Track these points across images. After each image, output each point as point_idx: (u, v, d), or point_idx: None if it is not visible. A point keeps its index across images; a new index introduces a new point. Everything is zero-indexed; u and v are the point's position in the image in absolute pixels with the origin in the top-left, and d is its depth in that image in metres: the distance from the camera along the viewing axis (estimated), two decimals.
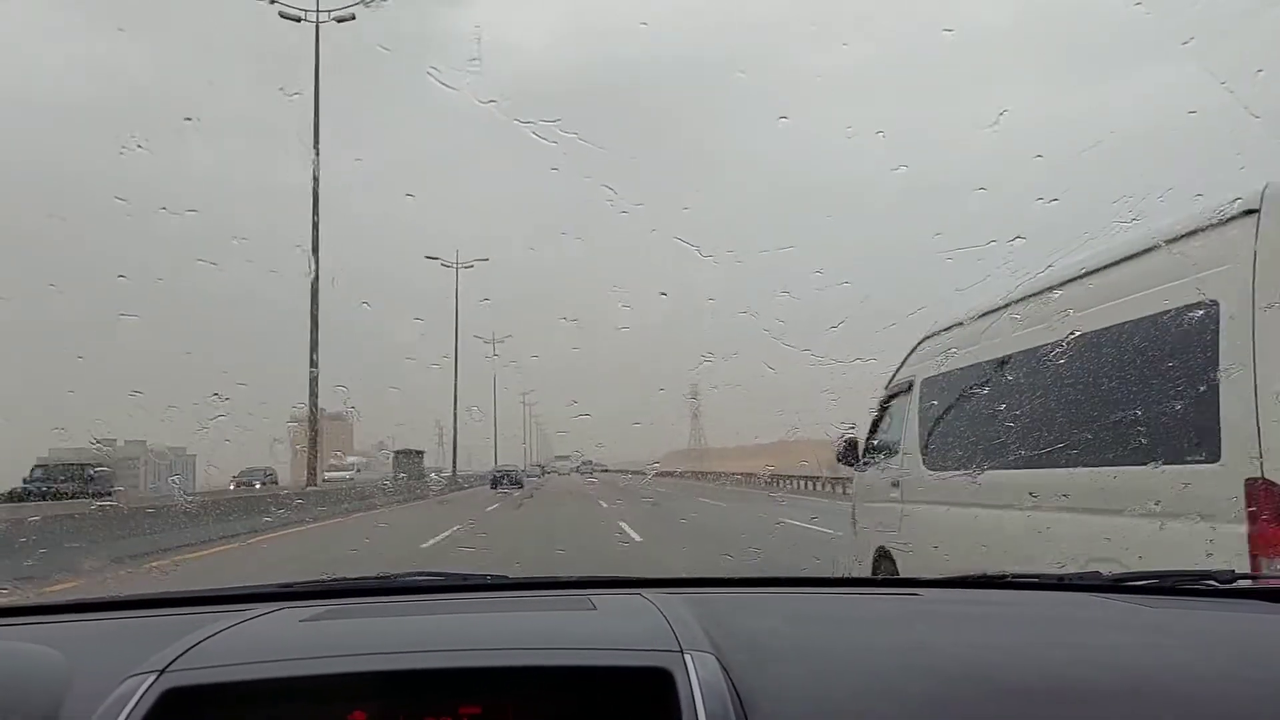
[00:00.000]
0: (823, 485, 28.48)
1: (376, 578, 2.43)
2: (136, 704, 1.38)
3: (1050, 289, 4.93)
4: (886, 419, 7.32)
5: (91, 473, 31.18)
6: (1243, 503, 3.42)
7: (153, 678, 1.42)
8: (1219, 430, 3.57)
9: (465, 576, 2.38)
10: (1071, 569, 3.09)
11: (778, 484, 32.56)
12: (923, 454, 6.38)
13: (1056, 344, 4.66)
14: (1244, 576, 2.09)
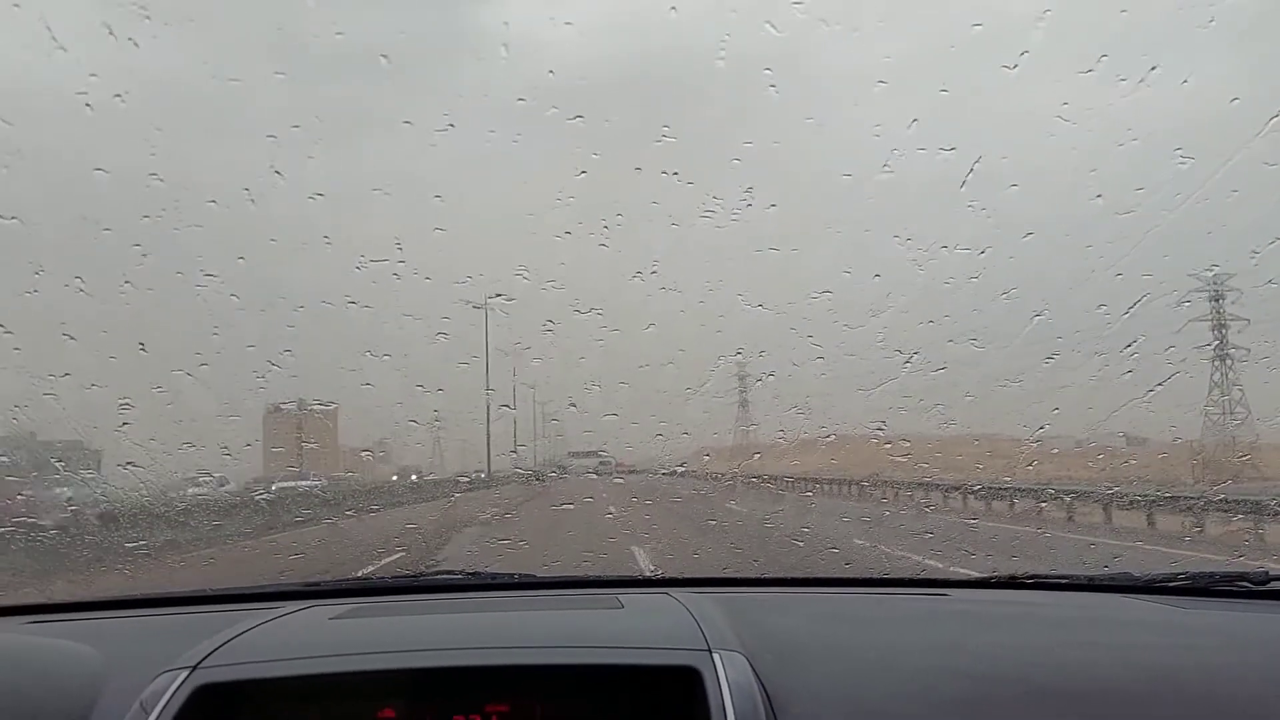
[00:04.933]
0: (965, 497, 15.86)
1: (404, 576, 2.45)
2: (170, 700, 1.40)
3: None
4: None
5: None
6: None
7: (185, 674, 1.44)
8: None
9: (493, 575, 2.38)
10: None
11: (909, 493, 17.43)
12: None
13: None
14: (1278, 577, 2.06)
